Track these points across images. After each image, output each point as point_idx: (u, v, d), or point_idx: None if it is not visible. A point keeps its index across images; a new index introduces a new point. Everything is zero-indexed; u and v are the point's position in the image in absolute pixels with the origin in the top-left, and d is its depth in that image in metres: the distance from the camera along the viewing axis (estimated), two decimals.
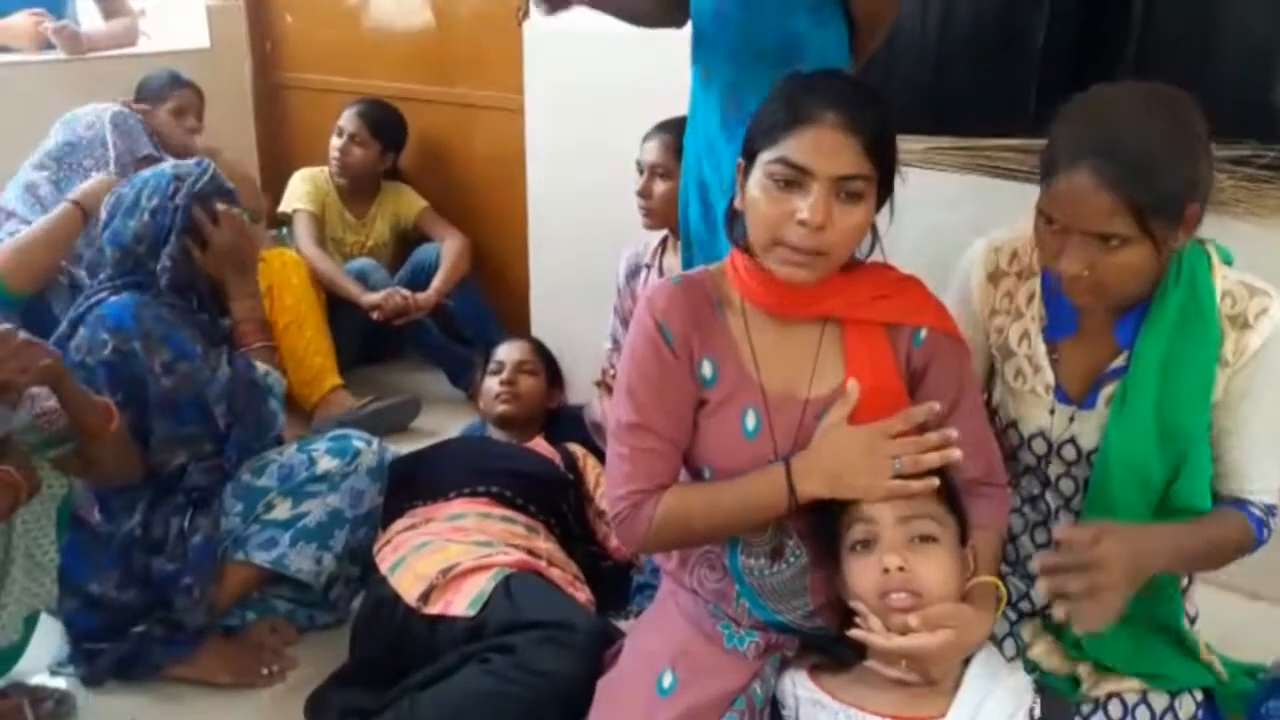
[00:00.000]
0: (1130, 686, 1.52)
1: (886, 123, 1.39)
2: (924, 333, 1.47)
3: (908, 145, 2.45)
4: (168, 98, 3.14)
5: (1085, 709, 1.52)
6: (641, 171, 2.42)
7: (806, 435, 1.45)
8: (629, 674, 1.53)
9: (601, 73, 2.84)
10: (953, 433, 1.36)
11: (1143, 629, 1.51)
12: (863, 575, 1.37)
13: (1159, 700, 1.52)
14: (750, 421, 1.46)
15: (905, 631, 1.32)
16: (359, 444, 2.18)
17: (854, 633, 1.36)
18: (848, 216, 1.35)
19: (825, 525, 1.43)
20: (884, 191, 1.41)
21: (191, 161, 2.16)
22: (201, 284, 2.09)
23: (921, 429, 1.39)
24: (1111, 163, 1.29)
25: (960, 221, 1.82)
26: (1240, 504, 1.50)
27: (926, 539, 1.36)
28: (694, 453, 1.50)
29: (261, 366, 2.18)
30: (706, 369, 1.47)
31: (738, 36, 1.80)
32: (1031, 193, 1.46)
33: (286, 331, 3.05)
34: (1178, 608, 1.56)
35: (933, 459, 1.35)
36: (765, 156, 1.37)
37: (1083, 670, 1.55)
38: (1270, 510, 1.50)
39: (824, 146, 1.33)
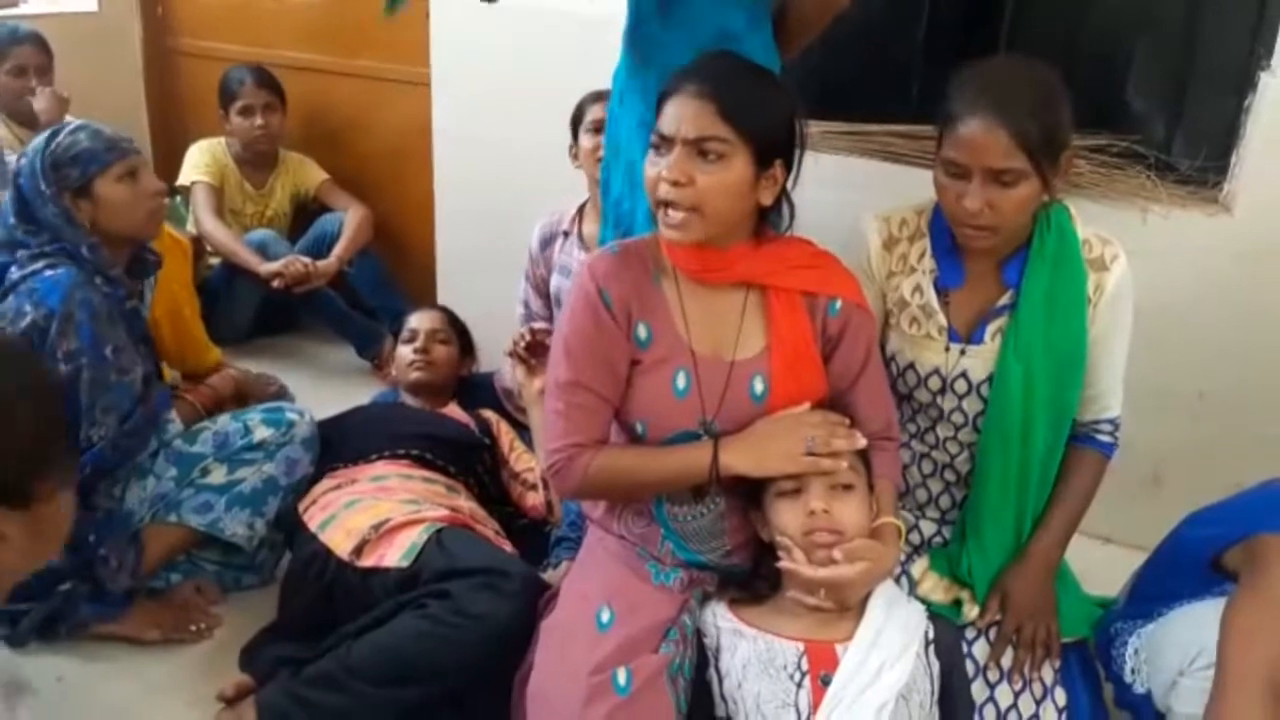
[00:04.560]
0: None
1: (749, 90, 1.50)
2: (839, 303, 1.61)
3: None
4: (6, 56, 3.07)
5: (969, 633, 1.72)
6: (596, 131, 2.40)
7: (732, 395, 1.59)
8: (569, 614, 1.62)
9: (508, 44, 2.89)
10: (860, 437, 1.57)
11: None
12: (790, 517, 1.54)
13: None
14: (681, 382, 1.59)
15: (828, 564, 1.50)
16: (292, 415, 2.23)
17: (783, 564, 1.53)
18: (708, 175, 1.47)
19: (741, 479, 1.58)
20: (763, 157, 1.50)
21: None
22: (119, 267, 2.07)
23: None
24: (1005, 110, 1.53)
25: (848, 201, 1.92)
26: (1088, 438, 1.76)
27: (846, 487, 1.55)
28: (627, 408, 1.61)
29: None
30: (642, 331, 1.60)
31: (677, 29, 1.82)
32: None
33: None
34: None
35: (841, 443, 1.54)
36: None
37: (964, 596, 1.76)
38: (1116, 424, 1.77)
39: (682, 113, 1.48)
